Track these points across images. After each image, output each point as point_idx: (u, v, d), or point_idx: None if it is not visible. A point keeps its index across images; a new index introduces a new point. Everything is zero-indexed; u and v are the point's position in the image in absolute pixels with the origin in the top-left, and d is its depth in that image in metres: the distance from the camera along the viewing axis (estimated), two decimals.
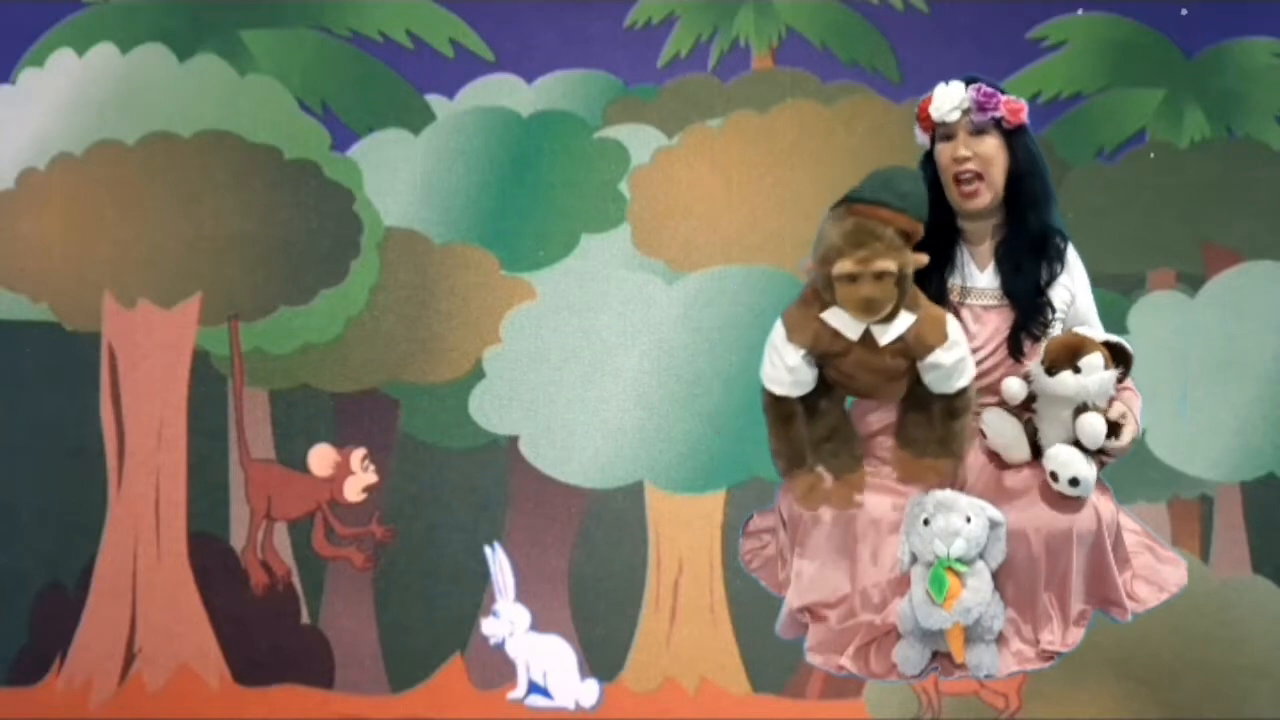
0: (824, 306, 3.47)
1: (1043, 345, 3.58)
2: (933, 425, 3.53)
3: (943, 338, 3.47)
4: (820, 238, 3.44)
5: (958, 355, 3.49)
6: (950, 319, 3.52)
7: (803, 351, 3.49)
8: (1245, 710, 6.36)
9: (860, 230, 3.39)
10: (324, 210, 6.41)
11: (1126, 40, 6.45)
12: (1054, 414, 3.54)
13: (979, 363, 3.63)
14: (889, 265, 3.37)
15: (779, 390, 3.52)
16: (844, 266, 3.37)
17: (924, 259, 3.43)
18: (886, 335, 3.46)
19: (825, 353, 3.49)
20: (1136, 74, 6.45)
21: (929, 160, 3.71)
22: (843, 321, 3.45)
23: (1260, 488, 6.42)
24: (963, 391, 3.51)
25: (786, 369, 3.50)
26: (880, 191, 3.43)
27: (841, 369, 3.51)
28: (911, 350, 3.47)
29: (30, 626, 6.42)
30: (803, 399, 3.54)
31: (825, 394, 3.56)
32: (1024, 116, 3.65)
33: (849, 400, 3.68)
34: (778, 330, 3.53)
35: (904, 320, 3.45)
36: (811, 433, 3.55)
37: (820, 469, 3.57)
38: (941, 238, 3.68)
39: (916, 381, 3.53)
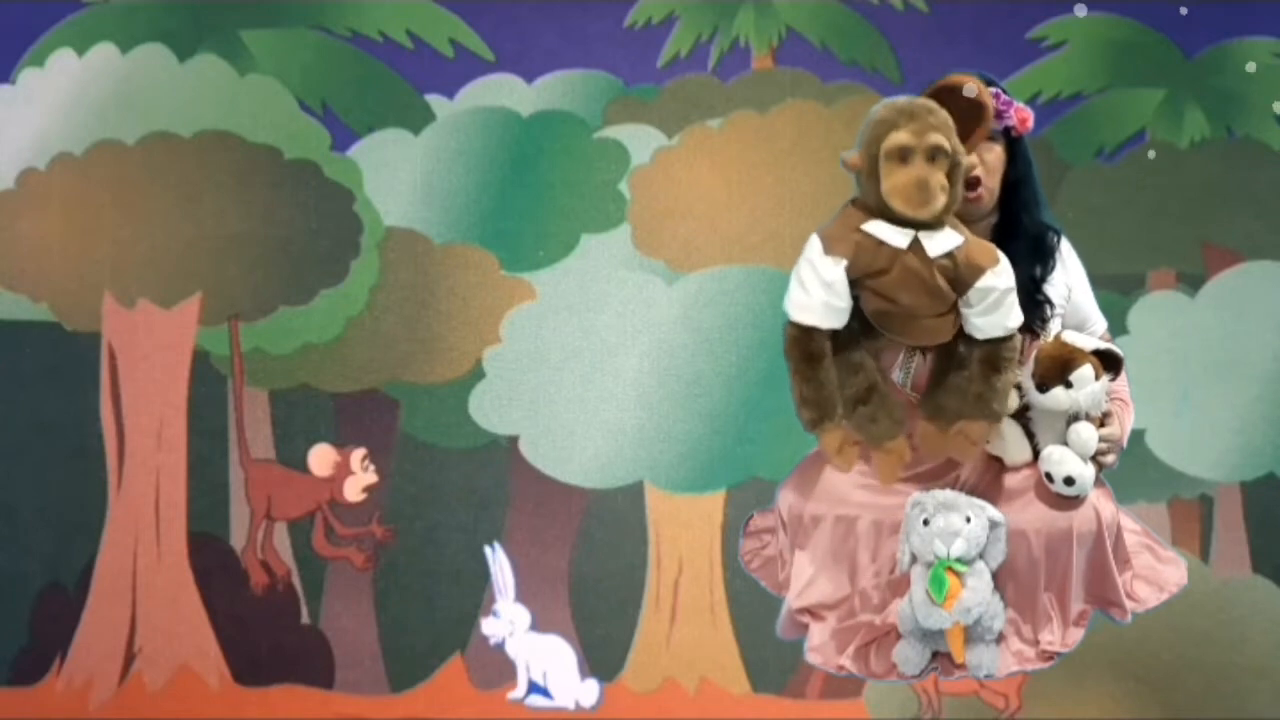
0: (865, 217, 3.16)
1: (1033, 354, 3.56)
2: (967, 388, 3.28)
3: (994, 260, 3.21)
4: (866, 125, 3.18)
5: (1008, 283, 3.22)
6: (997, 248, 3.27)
7: (844, 263, 3.12)
8: (1245, 710, 6.36)
9: (914, 104, 3.13)
10: (324, 210, 6.41)
11: (1126, 40, 6.45)
12: (1048, 423, 3.54)
13: None
14: (943, 140, 3.10)
15: (808, 319, 3.16)
16: (897, 138, 3.09)
17: (975, 160, 3.26)
18: (936, 245, 3.17)
19: (866, 270, 3.14)
20: (1136, 74, 6.45)
21: None
22: (887, 230, 3.14)
23: (1260, 488, 6.42)
24: (1010, 338, 3.26)
25: (822, 285, 3.14)
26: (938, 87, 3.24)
27: (883, 290, 3.16)
28: (961, 273, 3.16)
29: (30, 626, 6.42)
30: (835, 346, 3.19)
31: (859, 344, 3.24)
32: (1030, 125, 3.65)
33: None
34: (812, 245, 3.18)
35: (952, 237, 3.18)
36: (845, 391, 3.22)
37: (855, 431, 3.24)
38: None
39: (955, 336, 3.27)
